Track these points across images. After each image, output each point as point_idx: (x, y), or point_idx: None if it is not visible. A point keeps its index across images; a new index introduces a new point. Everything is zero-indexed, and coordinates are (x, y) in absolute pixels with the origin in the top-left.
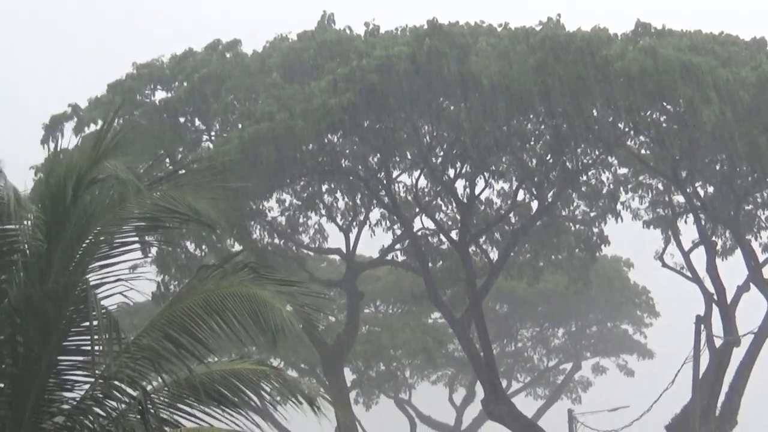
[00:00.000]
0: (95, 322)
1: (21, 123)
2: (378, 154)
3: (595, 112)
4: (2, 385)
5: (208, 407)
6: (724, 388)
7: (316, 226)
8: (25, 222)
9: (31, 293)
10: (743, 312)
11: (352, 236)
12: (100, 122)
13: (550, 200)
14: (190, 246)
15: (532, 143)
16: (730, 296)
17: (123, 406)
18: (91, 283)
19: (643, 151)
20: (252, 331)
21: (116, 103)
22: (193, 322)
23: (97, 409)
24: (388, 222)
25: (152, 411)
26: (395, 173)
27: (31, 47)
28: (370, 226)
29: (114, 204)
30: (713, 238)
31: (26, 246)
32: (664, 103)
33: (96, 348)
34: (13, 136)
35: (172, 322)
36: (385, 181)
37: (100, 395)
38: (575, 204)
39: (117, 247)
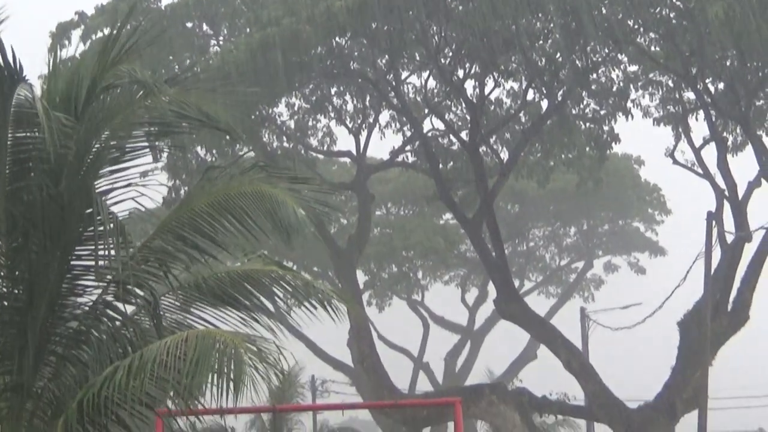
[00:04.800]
0: (101, 228)
1: (26, 33)
2: (386, 56)
3: (603, 9)
4: (17, 291)
5: (220, 310)
6: (736, 284)
7: (326, 129)
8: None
9: (42, 199)
10: (755, 208)
11: (362, 138)
12: (107, 30)
13: (560, 99)
14: (201, 151)
15: (541, 42)
16: (741, 192)
17: (135, 309)
18: (102, 189)
19: (653, 48)
20: (266, 229)
21: (121, 10)
22: (205, 222)
23: (111, 312)
24: (397, 123)
25: (163, 314)
26: (404, 74)
27: None
28: (379, 128)
29: (123, 108)
30: (724, 135)
31: (42, 154)
32: None
33: (103, 253)
34: (19, 47)
35: (184, 223)
36: (393, 83)
37: (112, 300)
38: (585, 102)
39: (128, 152)
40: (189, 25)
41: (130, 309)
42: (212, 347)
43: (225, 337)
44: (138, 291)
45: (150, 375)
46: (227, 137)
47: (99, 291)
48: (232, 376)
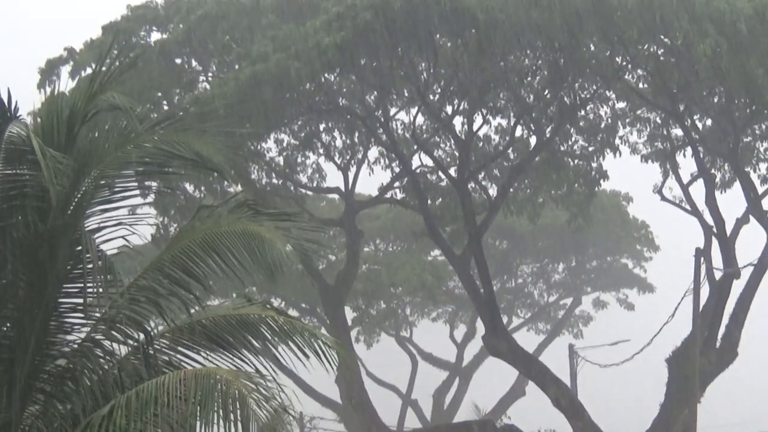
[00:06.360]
0: (90, 265)
1: (17, 69)
2: (375, 92)
3: (592, 47)
4: (5, 329)
5: (210, 350)
6: (724, 321)
7: (315, 166)
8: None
9: (28, 235)
10: (743, 244)
11: (351, 175)
12: (95, 65)
13: (548, 135)
14: (189, 188)
15: (529, 78)
16: (729, 228)
17: (125, 348)
18: (92, 227)
19: (640, 85)
20: (250, 268)
21: (111, 45)
22: (191, 261)
23: (98, 351)
24: (386, 160)
25: (154, 353)
26: (393, 111)
27: None
28: (368, 164)
29: (114, 146)
30: (712, 171)
31: (31, 191)
32: (661, 36)
33: (90, 291)
34: (10, 83)
35: (172, 262)
36: (382, 119)
37: (101, 338)
38: (573, 139)
39: (118, 191)
40: (178, 61)
41: (120, 347)
42: (214, 388)
43: (224, 376)
44: (125, 329)
45: (153, 417)
46: (215, 174)
47: (88, 329)
48: (238, 416)
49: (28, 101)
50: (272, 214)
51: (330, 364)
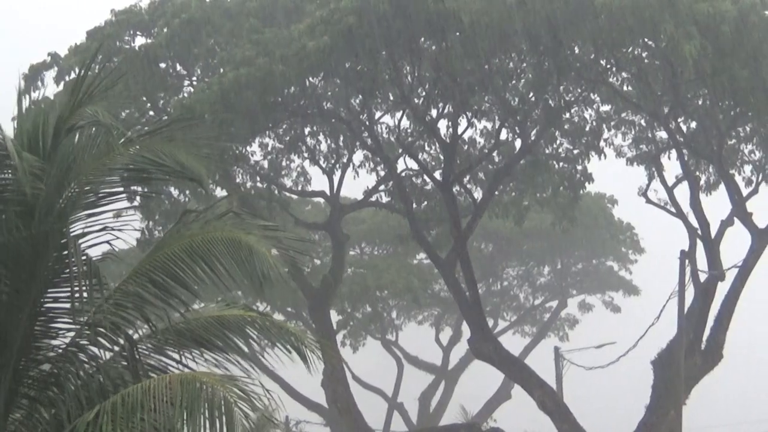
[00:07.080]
0: (75, 269)
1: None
2: (359, 96)
3: (576, 49)
4: None
5: (195, 353)
6: (710, 323)
7: (299, 169)
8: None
9: (12, 240)
10: (727, 246)
11: (336, 178)
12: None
13: (533, 139)
14: (174, 192)
15: (514, 81)
16: (714, 231)
17: (109, 353)
18: (77, 232)
19: (625, 88)
20: (237, 276)
21: (94, 50)
22: (178, 267)
23: (83, 357)
24: (371, 163)
25: (139, 358)
26: (377, 114)
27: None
28: (353, 167)
29: (100, 153)
30: (696, 174)
31: (14, 195)
32: (645, 39)
33: (77, 296)
34: None
35: (158, 267)
36: (367, 123)
37: (86, 343)
38: (558, 142)
39: (103, 196)
40: (162, 65)
41: (106, 352)
42: (199, 392)
43: (210, 381)
44: (111, 335)
45: (139, 422)
46: (203, 186)
47: (73, 334)
48: (224, 421)
49: (11, 108)
50: (259, 223)
51: (315, 364)
